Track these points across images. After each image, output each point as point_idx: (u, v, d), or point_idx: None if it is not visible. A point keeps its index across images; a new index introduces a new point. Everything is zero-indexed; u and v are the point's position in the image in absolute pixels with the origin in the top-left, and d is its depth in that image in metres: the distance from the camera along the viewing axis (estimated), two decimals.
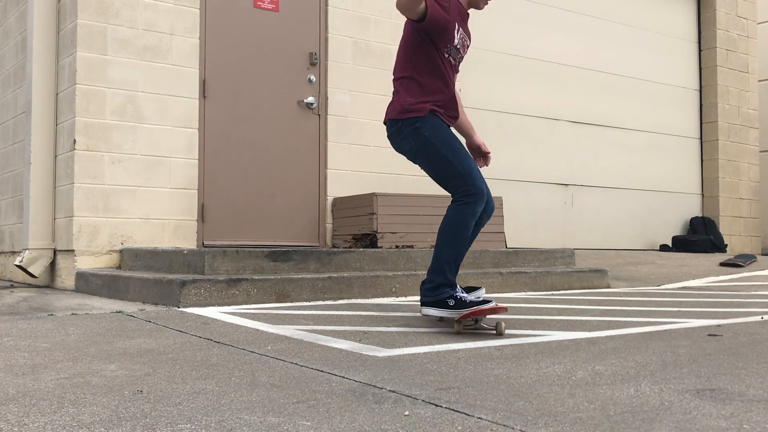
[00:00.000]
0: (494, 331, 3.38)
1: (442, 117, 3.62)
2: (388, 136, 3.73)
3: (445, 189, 3.59)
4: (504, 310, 3.33)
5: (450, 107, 3.67)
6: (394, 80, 3.71)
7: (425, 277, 3.65)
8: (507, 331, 3.45)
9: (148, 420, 1.90)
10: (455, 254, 3.49)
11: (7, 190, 6.84)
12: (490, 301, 3.36)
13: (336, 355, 2.82)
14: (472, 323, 3.45)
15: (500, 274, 5.61)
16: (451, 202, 3.54)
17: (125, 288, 4.88)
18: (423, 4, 3.46)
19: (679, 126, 9.99)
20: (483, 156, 3.97)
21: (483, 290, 3.97)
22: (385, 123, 3.75)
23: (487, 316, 3.58)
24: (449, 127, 3.70)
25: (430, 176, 3.67)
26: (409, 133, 3.59)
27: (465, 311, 3.34)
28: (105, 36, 5.67)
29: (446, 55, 3.62)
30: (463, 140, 3.85)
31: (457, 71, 3.81)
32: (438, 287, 3.47)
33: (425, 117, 3.56)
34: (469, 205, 3.49)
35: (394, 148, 3.76)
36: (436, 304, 3.46)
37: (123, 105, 5.72)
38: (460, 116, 3.85)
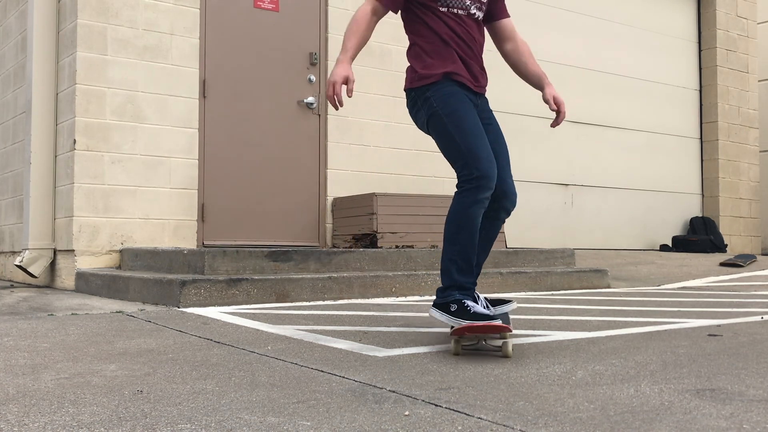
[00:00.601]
0: (500, 353, 2.90)
1: (462, 80, 3.10)
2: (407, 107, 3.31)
3: (454, 171, 3.08)
4: (507, 330, 2.78)
5: (469, 66, 3.14)
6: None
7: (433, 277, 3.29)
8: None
9: (148, 420, 1.90)
10: (459, 251, 2.96)
11: (7, 190, 6.84)
12: (496, 318, 2.83)
13: (336, 355, 2.82)
14: (473, 341, 3.00)
15: (500, 274, 5.61)
16: (456, 188, 3.04)
17: (125, 288, 4.88)
18: (377, 7, 3.10)
19: (679, 126, 9.99)
20: (556, 112, 3.37)
21: (513, 305, 3.32)
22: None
23: (493, 335, 2.99)
24: (477, 94, 3.18)
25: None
26: (422, 104, 3.13)
27: (462, 324, 2.82)
28: (105, 36, 5.67)
29: (444, 9, 3.10)
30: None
31: (500, 15, 3.31)
32: (446, 289, 2.99)
33: (438, 83, 3.08)
34: (470, 191, 2.94)
35: (415, 123, 3.30)
36: (441, 306, 2.96)
37: (123, 105, 5.72)
38: (528, 66, 3.37)
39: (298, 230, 6.54)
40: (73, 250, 5.53)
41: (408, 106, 3.28)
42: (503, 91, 8.34)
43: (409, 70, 3.24)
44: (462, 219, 2.98)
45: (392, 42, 7.04)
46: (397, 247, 5.96)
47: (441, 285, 3.04)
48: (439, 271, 4.90)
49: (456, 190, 3.03)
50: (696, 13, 10.29)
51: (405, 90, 3.28)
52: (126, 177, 5.71)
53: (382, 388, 2.25)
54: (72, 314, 4.11)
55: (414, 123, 3.32)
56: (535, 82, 3.41)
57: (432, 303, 3.12)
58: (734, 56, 10.27)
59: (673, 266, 7.62)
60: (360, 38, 3.08)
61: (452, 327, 2.91)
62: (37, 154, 5.79)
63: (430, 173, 7.10)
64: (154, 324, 3.69)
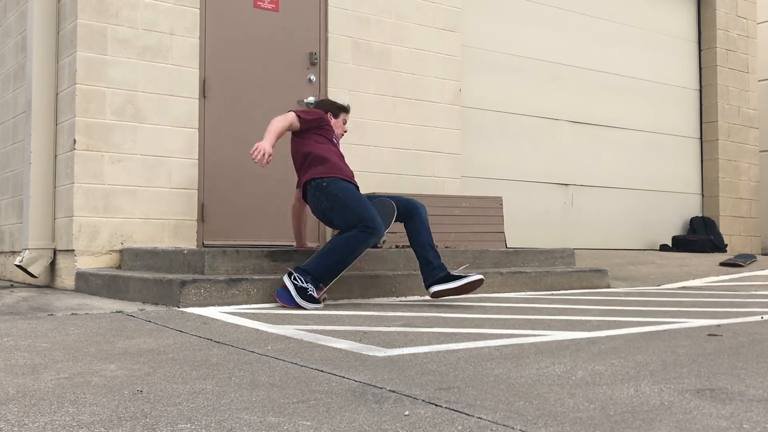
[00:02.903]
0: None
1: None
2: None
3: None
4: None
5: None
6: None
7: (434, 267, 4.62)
8: (506, 331, 3.47)
9: (148, 420, 1.90)
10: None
11: (7, 190, 6.84)
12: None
13: (336, 355, 2.82)
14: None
15: (500, 274, 5.61)
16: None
17: (125, 288, 4.88)
18: (294, 122, 4.91)
19: (679, 126, 9.99)
20: None
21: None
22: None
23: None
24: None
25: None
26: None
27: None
28: (105, 36, 5.67)
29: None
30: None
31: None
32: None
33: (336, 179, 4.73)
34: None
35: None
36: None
37: (123, 105, 5.72)
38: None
39: None
40: (73, 250, 5.53)
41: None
42: (504, 92, 8.35)
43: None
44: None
45: (392, 42, 7.04)
46: (397, 247, 5.96)
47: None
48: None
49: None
50: (696, 13, 10.29)
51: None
52: (126, 177, 5.71)
53: (382, 388, 2.25)
54: (72, 314, 4.11)
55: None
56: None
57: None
58: (734, 56, 10.27)
59: (673, 266, 7.62)
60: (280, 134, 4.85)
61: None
62: (37, 154, 5.79)
63: (430, 173, 7.10)
64: (154, 324, 3.69)
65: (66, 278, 5.65)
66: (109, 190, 5.64)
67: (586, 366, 2.63)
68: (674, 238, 9.54)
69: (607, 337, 3.33)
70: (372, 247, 5.73)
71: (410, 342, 3.16)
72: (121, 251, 5.64)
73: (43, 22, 5.86)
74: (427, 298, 5.10)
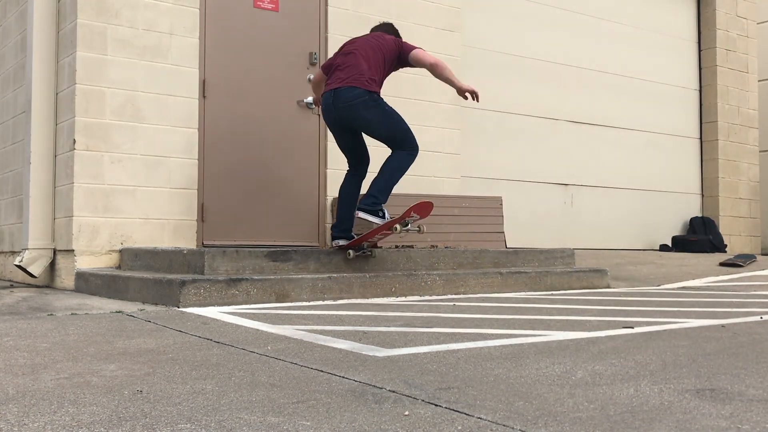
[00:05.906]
0: (418, 230, 5.06)
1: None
2: (341, 102, 5.11)
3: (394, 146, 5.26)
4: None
5: None
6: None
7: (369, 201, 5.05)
8: (506, 331, 3.47)
9: (148, 420, 1.90)
10: (394, 184, 5.26)
11: (7, 190, 6.83)
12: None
13: (336, 355, 2.82)
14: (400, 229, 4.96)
15: (500, 274, 5.61)
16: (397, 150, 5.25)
17: (125, 288, 4.88)
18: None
19: (679, 126, 9.99)
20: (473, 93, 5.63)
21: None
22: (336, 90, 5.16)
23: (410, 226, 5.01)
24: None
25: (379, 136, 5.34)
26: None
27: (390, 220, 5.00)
28: (105, 36, 5.67)
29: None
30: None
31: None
32: (378, 203, 5.07)
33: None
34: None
35: (348, 116, 5.20)
36: (372, 213, 5.01)
37: (123, 105, 5.71)
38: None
39: (298, 230, 6.54)
40: (73, 250, 5.53)
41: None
42: (504, 92, 8.35)
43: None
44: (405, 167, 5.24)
45: None
46: (396, 247, 5.96)
47: (374, 198, 5.06)
48: (437, 271, 5.26)
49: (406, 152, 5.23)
50: (696, 13, 10.29)
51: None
52: (126, 177, 5.70)
53: (382, 388, 2.25)
54: (72, 314, 4.11)
55: (350, 116, 5.26)
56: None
57: (358, 209, 5.05)
58: (734, 56, 10.27)
59: (672, 266, 7.62)
60: None
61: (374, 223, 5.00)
62: (36, 153, 5.79)
63: (430, 173, 7.10)
64: (153, 324, 3.69)
65: (66, 278, 5.65)
66: (108, 190, 5.64)
67: (586, 366, 2.63)
68: (674, 239, 9.54)
69: (606, 337, 3.33)
70: (371, 247, 5.73)
71: (410, 342, 3.16)
72: (120, 251, 5.64)
73: (43, 22, 5.86)
74: (427, 297, 5.10)
